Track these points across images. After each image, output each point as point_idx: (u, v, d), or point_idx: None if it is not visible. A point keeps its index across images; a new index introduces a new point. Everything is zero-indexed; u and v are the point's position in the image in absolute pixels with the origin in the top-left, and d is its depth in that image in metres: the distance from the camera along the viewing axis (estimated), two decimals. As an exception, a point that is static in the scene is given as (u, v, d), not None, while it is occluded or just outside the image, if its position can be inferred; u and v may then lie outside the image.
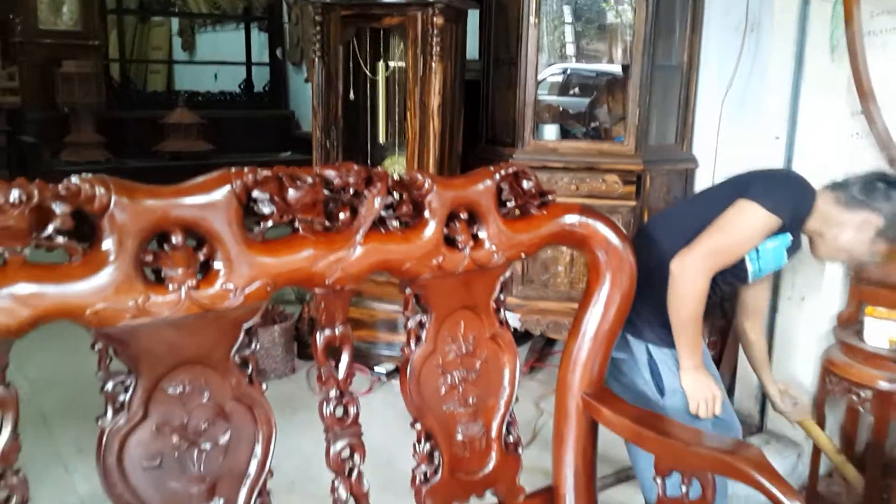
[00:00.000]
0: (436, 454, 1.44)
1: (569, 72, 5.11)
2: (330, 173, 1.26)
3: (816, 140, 2.39)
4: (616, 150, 3.14)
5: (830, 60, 2.31)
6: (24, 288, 0.97)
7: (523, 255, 1.53)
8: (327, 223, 1.25)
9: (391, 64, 3.15)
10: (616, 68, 3.58)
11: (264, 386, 1.22)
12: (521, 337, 3.36)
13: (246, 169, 1.15)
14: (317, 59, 3.04)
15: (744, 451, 1.37)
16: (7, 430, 1.01)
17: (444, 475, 1.45)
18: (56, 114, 6.26)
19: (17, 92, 6.96)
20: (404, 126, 3.08)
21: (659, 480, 1.49)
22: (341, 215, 1.26)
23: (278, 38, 7.94)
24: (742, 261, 1.86)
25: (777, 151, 2.47)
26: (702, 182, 3.19)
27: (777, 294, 2.54)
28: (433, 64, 2.84)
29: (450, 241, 1.40)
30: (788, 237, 1.86)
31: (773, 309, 2.54)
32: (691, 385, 1.87)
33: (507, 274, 1.54)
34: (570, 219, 1.55)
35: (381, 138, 3.19)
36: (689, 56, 3.14)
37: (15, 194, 0.96)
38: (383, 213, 1.32)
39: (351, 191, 1.27)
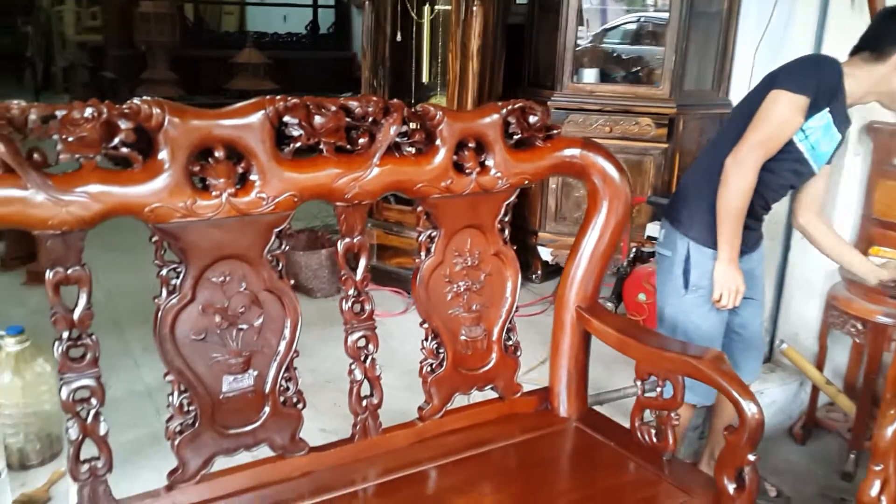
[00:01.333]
0: (441, 350, 1.67)
1: (642, 19, 5.23)
2: (352, 103, 1.47)
3: (836, 86, 2.46)
4: (651, 93, 3.25)
5: (851, 10, 2.36)
6: (95, 188, 1.21)
7: (528, 182, 1.72)
8: (349, 146, 1.47)
9: (436, 7, 3.31)
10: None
11: (292, 281, 1.47)
12: (553, 270, 3.55)
13: (278, 97, 1.37)
14: (367, 2, 3.22)
15: (709, 357, 1.55)
16: (83, 300, 1.28)
17: (447, 368, 1.68)
18: (134, 51, 6.62)
19: (99, 31, 7.36)
20: (447, 67, 3.25)
21: (639, 383, 1.68)
22: (361, 140, 1.47)
23: (344, -20, 8.11)
24: (792, 144, 1.96)
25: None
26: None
27: (791, 233, 2.65)
28: (474, 8, 2.99)
29: (459, 167, 1.60)
30: (827, 113, 1.95)
31: (786, 247, 2.66)
32: (722, 274, 2.02)
33: (513, 198, 1.74)
34: (571, 151, 1.73)
35: (425, 78, 3.37)
36: (730, 4, 3.19)
37: (88, 111, 1.20)
38: (399, 140, 1.52)
39: (370, 119, 1.47)
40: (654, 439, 1.67)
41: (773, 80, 1.96)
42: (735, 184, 1.95)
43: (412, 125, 1.53)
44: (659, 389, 1.64)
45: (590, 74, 3.39)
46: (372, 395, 1.59)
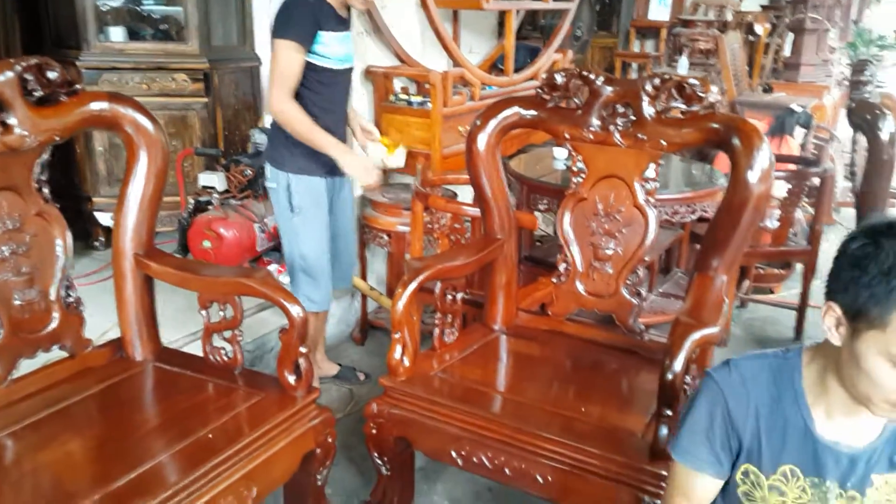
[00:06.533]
0: (-6, 319, 1.64)
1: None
2: None
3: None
4: (182, 50, 3.34)
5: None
6: None
7: (58, 138, 1.74)
8: None
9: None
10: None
11: None
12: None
13: None
14: None
15: (255, 274, 1.79)
16: None
17: (5, 335, 1.65)
18: None
19: None
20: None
21: (203, 312, 1.86)
22: None
23: None
24: (314, 68, 2.30)
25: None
26: (266, 79, 3.53)
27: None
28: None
29: (-22, 129, 1.56)
30: (325, 34, 2.27)
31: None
32: (349, 166, 2.38)
33: (46, 156, 1.74)
34: (99, 105, 1.80)
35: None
36: (240, -36, 3.42)
37: None
38: None
39: None
40: (226, 358, 1.87)
41: (272, 31, 2.30)
42: (287, 119, 2.30)
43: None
44: (222, 314, 1.84)
45: (117, 33, 3.33)
46: (-83, 378, 1.51)
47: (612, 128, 1.99)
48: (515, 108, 2.11)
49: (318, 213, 2.47)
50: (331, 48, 2.32)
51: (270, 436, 1.66)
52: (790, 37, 5.96)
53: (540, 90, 2.08)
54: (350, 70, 2.47)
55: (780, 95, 4.91)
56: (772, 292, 3.78)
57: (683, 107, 1.91)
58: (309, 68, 2.31)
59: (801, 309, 3.27)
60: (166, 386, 1.86)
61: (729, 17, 7.11)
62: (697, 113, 1.89)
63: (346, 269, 2.70)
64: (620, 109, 1.98)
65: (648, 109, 1.94)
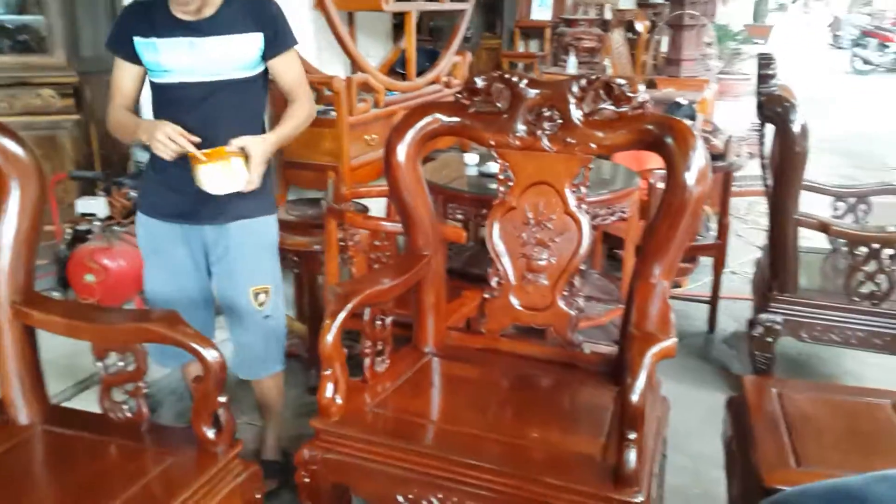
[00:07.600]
0: None
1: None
2: None
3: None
4: (47, 62, 3.02)
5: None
6: None
7: None
8: None
9: None
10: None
11: None
12: None
13: None
14: None
15: (158, 317, 1.57)
16: None
17: None
18: None
19: None
20: None
21: (99, 364, 1.62)
22: None
23: None
24: (154, 85, 2.00)
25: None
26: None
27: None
28: None
29: None
30: (152, 41, 1.93)
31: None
32: (144, 136, 1.90)
33: None
34: (-42, 132, 1.52)
35: None
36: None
37: None
38: None
39: None
40: (129, 414, 1.64)
41: None
42: (110, 130, 2.04)
43: None
44: (122, 364, 1.61)
45: (-34, 46, 2.98)
46: None
47: (539, 133, 1.89)
48: (435, 115, 1.97)
49: (157, 260, 2.12)
50: (162, 57, 1.94)
51: (191, 502, 1.45)
52: (667, 33, 6.14)
53: (460, 95, 1.96)
54: (215, 84, 1.99)
55: (669, 91, 5.01)
56: (679, 286, 3.82)
57: (612, 108, 1.83)
58: (151, 86, 2.04)
59: (714, 301, 3.30)
60: (61, 453, 1.61)
61: (609, 15, 7.27)
62: (626, 114, 1.82)
63: (250, 334, 2.20)
64: (547, 113, 1.88)
65: (576, 112, 1.85)
